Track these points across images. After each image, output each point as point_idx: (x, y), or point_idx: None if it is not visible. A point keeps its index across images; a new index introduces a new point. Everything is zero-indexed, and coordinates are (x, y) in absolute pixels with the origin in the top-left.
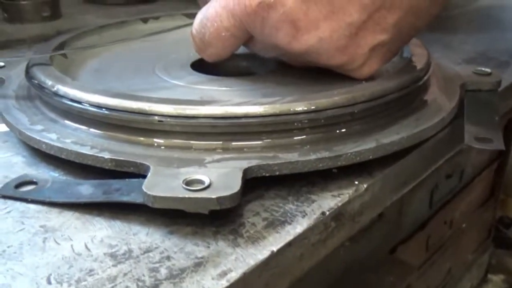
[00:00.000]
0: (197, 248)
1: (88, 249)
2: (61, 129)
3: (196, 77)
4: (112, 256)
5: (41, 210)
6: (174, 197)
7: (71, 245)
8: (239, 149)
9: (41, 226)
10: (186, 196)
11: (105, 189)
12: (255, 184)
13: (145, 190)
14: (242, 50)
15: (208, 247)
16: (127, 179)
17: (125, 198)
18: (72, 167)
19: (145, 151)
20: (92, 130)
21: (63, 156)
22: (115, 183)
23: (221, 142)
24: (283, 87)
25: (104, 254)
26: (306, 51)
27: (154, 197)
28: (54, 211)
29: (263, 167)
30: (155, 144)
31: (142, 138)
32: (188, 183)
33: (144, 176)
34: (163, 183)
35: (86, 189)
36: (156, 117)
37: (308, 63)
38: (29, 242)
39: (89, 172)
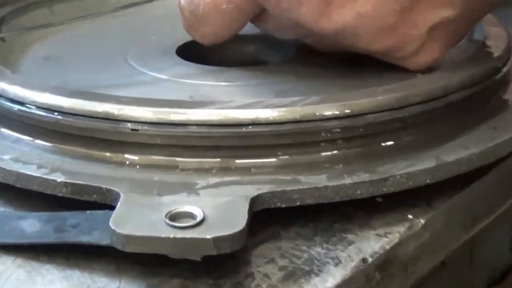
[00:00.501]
0: None
1: None
2: None
3: (185, 68)
4: None
5: None
6: (154, 237)
7: None
8: (245, 170)
9: None
10: (171, 236)
11: (58, 225)
12: (268, 219)
13: (113, 227)
14: (248, 29)
15: None
16: (88, 212)
17: (86, 239)
18: (12, 194)
19: (113, 172)
20: (39, 142)
21: None
22: (72, 217)
23: (218, 160)
24: (305, 82)
25: None
26: (340, 31)
27: (126, 237)
28: None
29: (278, 195)
30: (127, 162)
31: (109, 154)
32: (173, 217)
33: (112, 207)
34: (139, 217)
35: (32, 225)
36: (129, 125)
37: (341, 47)
38: None
39: (36, 201)
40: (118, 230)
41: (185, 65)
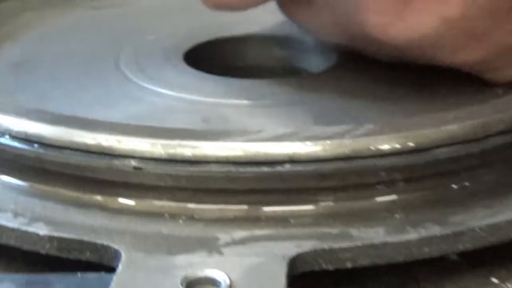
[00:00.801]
0: None
1: None
2: None
3: (195, 79)
4: None
5: None
6: None
7: None
8: (280, 220)
9: None
10: None
11: None
12: (308, 284)
13: None
14: (278, 29)
15: None
16: (79, 275)
17: None
18: None
19: (111, 222)
20: (14, 181)
21: None
22: (58, 281)
23: (245, 207)
24: (351, 99)
25: None
26: (417, 41)
27: None
28: None
29: (323, 255)
30: (128, 209)
31: (103, 199)
32: (191, 284)
33: (109, 269)
34: (145, 284)
35: None
36: (131, 161)
37: (405, 57)
38: None
39: (11, 260)
40: None
41: (196, 75)
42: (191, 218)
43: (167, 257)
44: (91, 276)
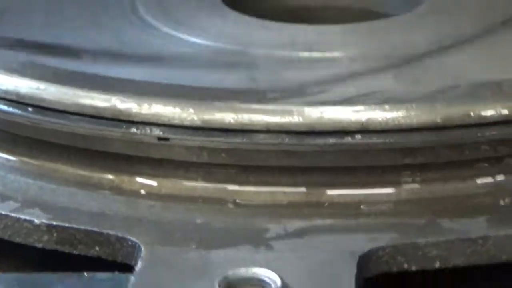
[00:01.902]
0: None
1: None
2: None
3: (238, 24)
4: None
5: None
6: None
7: None
8: (347, 207)
9: None
10: None
11: None
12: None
13: None
14: None
15: None
16: (85, 274)
17: None
18: None
19: (128, 208)
20: (2, 156)
21: None
22: (57, 282)
23: (303, 190)
24: (442, 49)
25: None
26: None
27: None
28: None
29: (404, 251)
30: (148, 192)
31: (118, 178)
32: (233, 286)
33: (126, 268)
34: (169, 286)
35: None
36: (155, 130)
37: None
38: None
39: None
40: None
41: (239, 20)
42: (233, 203)
43: (201, 252)
44: (101, 276)
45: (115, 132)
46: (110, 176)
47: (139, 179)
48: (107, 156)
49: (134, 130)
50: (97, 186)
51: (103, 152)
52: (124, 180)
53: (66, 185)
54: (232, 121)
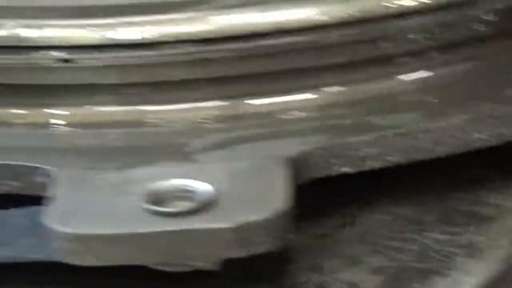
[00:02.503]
0: None
1: None
2: None
3: None
4: None
5: None
6: (129, 235)
7: None
8: (270, 116)
9: None
10: (158, 229)
11: None
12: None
13: (52, 225)
14: None
15: None
16: None
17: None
18: None
19: (40, 140)
20: None
21: None
22: None
23: (222, 102)
24: None
25: None
26: None
27: (80, 238)
28: None
29: (336, 152)
30: (55, 122)
31: (24, 111)
32: (159, 199)
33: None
34: (96, 206)
35: None
36: (55, 53)
37: None
38: None
39: None
40: (64, 229)
41: None
42: (148, 123)
43: (122, 172)
44: (15, 212)
45: (19, 59)
46: (14, 110)
47: (50, 110)
48: (15, 89)
49: (32, 55)
50: (7, 122)
51: (10, 85)
52: (34, 113)
53: None
54: (139, 37)
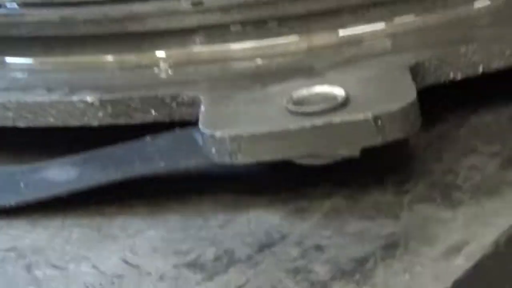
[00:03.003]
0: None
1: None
2: None
3: None
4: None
5: None
6: (278, 132)
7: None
8: (384, 34)
9: (6, 250)
10: (307, 124)
11: (104, 164)
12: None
13: (205, 129)
14: None
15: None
16: (147, 139)
17: (161, 164)
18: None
19: (174, 74)
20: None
21: None
22: (128, 151)
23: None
24: None
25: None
26: None
27: (235, 139)
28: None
29: (451, 60)
30: (193, 59)
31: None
32: (300, 101)
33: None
34: (245, 113)
35: (65, 174)
36: None
37: None
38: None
39: (44, 146)
40: (218, 132)
41: None
42: (278, 52)
43: (260, 89)
44: (166, 136)
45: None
46: (143, 53)
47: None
48: (131, 37)
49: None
50: (137, 65)
51: (138, 32)
52: (172, 53)
53: (108, 68)
54: None
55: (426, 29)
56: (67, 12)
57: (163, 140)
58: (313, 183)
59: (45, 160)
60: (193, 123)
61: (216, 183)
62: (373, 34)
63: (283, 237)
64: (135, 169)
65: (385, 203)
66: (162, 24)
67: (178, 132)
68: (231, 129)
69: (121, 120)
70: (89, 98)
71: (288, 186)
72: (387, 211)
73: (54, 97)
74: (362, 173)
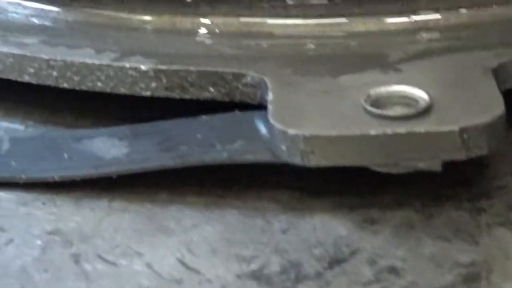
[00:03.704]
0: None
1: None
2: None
3: None
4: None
5: (17, 200)
6: (356, 137)
7: (147, 264)
8: (463, 26)
9: (50, 233)
10: (388, 131)
11: (159, 141)
12: None
13: (278, 125)
14: None
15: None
16: (203, 117)
17: (223, 155)
18: (55, 105)
19: (238, 48)
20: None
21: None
22: (180, 128)
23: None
24: None
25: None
26: None
27: (309, 140)
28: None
29: None
30: (263, 32)
31: (221, 18)
32: (378, 102)
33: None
34: (318, 108)
35: (111, 147)
36: None
37: None
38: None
39: (98, 111)
40: (291, 130)
41: None
42: (347, 33)
43: (331, 78)
44: (224, 116)
45: None
46: (207, 21)
47: (268, 20)
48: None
49: None
50: (193, 31)
51: None
52: (227, 22)
53: (161, 33)
54: None
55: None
56: None
57: (221, 121)
58: (380, 189)
59: (89, 126)
60: (252, 105)
61: (276, 177)
62: (452, 23)
63: (354, 253)
64: (193, 155)
65: (461, 222)
66: None
67: (238, 114)
68: (306, 128)
69: (175, 94)
70: (143, 66)
71: (354, 190)
72: (464, 233)
73: (104, 60)
74: (433, 182)
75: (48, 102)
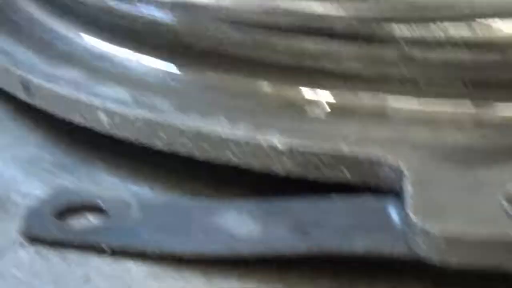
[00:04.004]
0: None
1: None
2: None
3: None
4: None
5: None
6: (501, 242)
7: None
8: None
9: None
10: None
11: (291, 223)
12: None
13: (415, 218)
14: None
15: None
16: (333, 195)
17: (359, 246)
18: (177, 169)
19: (380, 129)
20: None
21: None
22: (312, 209)
23: None
24: None
25: None
26: None
27: (449, 240)
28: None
29: None
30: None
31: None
32: None
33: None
34: (455, 204)
35: (241, 223)
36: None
37: None
38: None
39: (226, 179)
40: (434, 229)
41: None
42: (474, 122)
43: (471, 171)
44: (359, 201)
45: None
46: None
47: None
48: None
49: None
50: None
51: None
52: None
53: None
54: None
55: None
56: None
57: (354, 206)
58: None
59: (214, 195)
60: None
61: None
62: None
63: None
64: (329, 243)
65: None
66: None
67: (370, 199)
68: (447, 227)
69: (310, 174)
70: (279, 145)
71: None
72: None
73: (239, 132)
74: None
75: (172, 165)
